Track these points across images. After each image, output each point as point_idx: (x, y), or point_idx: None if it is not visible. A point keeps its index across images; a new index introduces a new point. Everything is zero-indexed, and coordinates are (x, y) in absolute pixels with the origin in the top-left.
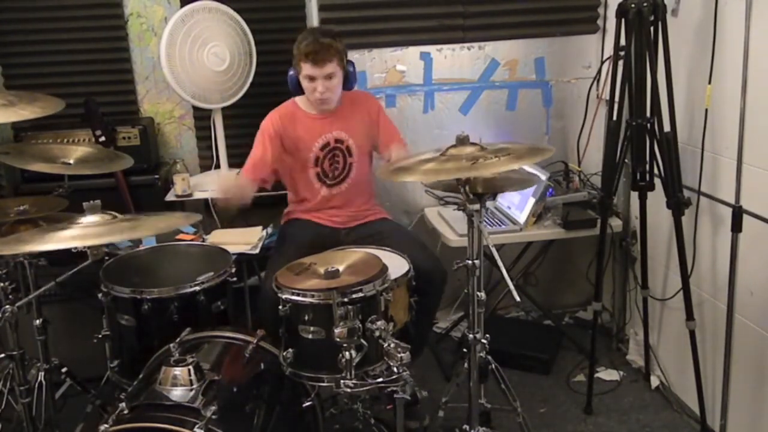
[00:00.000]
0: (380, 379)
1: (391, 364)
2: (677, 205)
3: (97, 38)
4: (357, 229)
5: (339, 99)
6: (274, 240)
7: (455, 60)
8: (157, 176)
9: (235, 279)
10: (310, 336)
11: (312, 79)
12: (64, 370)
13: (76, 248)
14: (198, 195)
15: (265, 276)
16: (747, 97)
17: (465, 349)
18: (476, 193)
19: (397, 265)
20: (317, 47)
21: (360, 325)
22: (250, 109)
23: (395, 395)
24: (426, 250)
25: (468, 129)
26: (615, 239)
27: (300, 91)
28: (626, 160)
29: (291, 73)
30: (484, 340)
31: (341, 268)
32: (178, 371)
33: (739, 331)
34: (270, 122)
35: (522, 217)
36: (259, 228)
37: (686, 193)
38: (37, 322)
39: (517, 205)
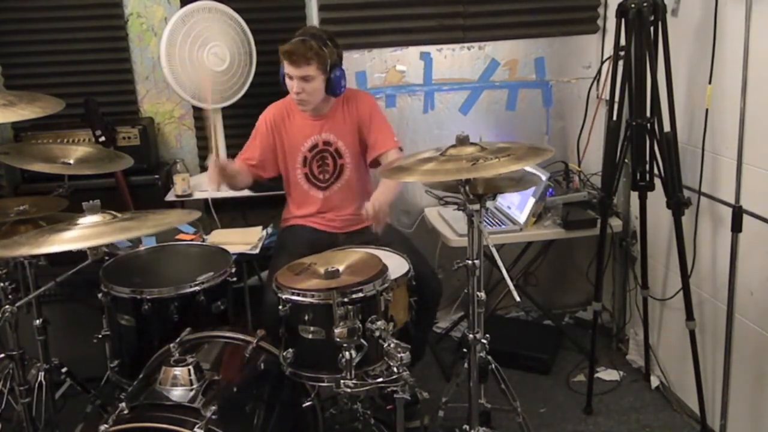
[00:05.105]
0: (380, 379)
1: (391, 364)
2: (677, 205)
3: (97, 38)
4: (355, 234)
5: (332, 101)
6: (274, 240)
7: (455, 60)
8: (157, 176)
9: (235, 279)
10: (310, 336)
11: (290, 77)
12: (64, 370)
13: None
14: (198, 195)
15: (266, 282)
16: (747, 97)
17: (465, 349)
18: (476, 194)
19: (397, 265)
20: (296, 48)
21: (360, 325)
22: (250, 109)
23: (395, 395)
24: (423, 260)
25: (468, 129)
26: (615, 239)
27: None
28: (626, 160)
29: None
30: (484, 340)
31: (341, 268)
32: (178, 371)
33: (739, 331)
34: (264, 116)
35: (522, 217)
36: (259, 228)
37: (686, 193)
38: (37, 322)
39: (517, 205)
